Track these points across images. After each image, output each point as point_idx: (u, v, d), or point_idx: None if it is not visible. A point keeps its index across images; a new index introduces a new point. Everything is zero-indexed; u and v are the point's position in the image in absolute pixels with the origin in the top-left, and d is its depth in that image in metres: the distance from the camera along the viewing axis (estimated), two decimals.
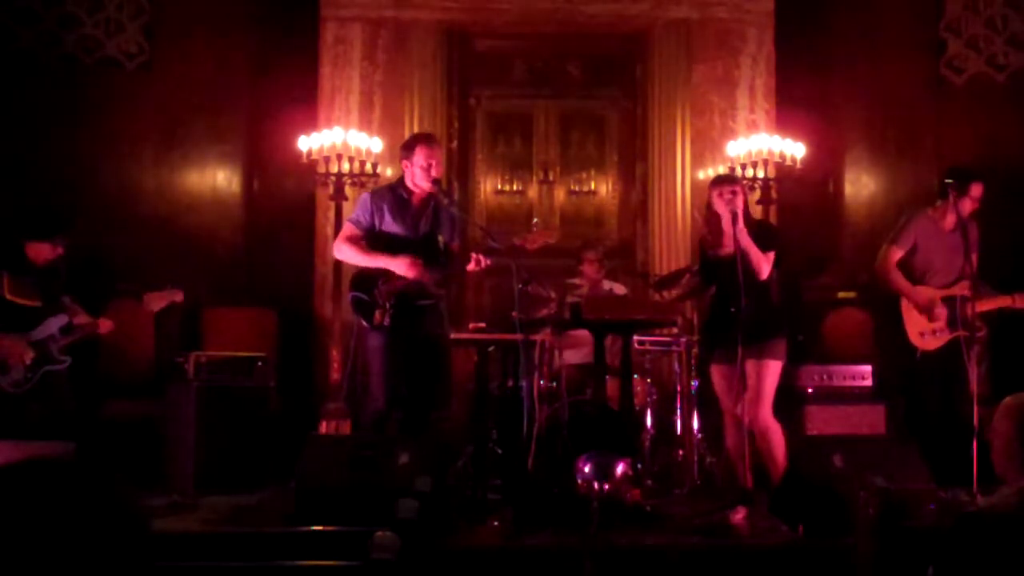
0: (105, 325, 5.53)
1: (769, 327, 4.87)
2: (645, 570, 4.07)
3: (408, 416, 4.88)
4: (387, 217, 4.92)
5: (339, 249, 5.10)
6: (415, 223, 4.94)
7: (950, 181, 5.48)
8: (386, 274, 4.83)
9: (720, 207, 4.96)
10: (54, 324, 5.38)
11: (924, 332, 5.44)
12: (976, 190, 5.43)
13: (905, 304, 5.52)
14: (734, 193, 4.94)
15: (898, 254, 5.50)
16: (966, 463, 4.63)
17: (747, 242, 4.82)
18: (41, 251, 5.39)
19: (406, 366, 4.86)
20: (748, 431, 4.75)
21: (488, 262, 4.86)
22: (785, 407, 5.94)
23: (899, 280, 5.49)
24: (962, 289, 5.38)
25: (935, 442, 5.02)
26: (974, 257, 5.36)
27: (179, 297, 5.49)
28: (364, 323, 4.88)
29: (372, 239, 4.96)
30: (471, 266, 4.86)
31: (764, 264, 4.88)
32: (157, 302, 5.44)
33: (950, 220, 5.49)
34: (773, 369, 4.87)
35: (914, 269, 5.52)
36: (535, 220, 7.43)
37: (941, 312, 5.40)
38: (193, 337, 6.41)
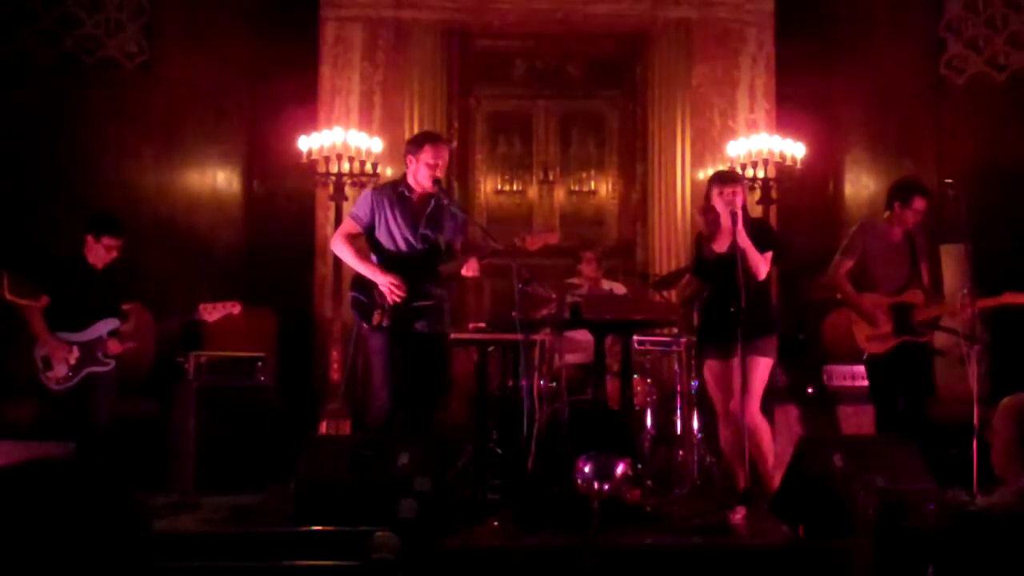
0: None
1: (762, 325, 4.88)
2: (645, 570, 4.07)
3: (410, 416, 4.89)
4: (388, 214, 4.92)
5: (336, 245, 5.12)
6: (416, 221, 4.93)
7: (893, 193, 5.60)
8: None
9: (720, 205, 4.97)
10: (103, 327, 5.41)
11: (870, 336, 5.51)
12: (918, 203, 5.49)
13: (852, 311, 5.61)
14: (735, 193, 4.95)
15: (847, 264, 5.60)
16: (941, 465, 4.65)
17: (746, 243, 4.83)
18: (100, 251, 5.44)
19: (407, 366, 4.87)
20: (744, 429, 4.75)
21: (477, 273, 4.90)
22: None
23: (846, 288, 5.61)
24: (912, 297, 5.46)
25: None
26: (923, 266, 5.54)
27: (236, 309, 5.53)
28: (363, 324, 4.91)
29: (371, 238, 4.98)
30: (465, 271, 4.88)
31: (762, 265, 4.90)
32: (212, 313, 5.47)
33: (896, 231, 5.57)
34: (763, 366, 4.90)
35: (863, 278, 5.61)
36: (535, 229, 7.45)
37: (884, 319, 5.46)
38: (193, 337, 6.41)
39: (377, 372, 4.93)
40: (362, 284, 4.93)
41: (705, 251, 5.15)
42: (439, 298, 4.94)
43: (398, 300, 4.79)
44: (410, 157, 4.97)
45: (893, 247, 5.57)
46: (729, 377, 4.94)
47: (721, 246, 5.03)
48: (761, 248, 4.91)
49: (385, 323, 4.82)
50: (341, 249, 5.05)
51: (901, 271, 5.55)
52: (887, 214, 5.62)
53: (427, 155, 4.89)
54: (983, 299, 5.37)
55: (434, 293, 4.90)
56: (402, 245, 4.91)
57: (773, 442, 5.05)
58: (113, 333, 5.42)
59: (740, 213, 4.88)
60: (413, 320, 4.85)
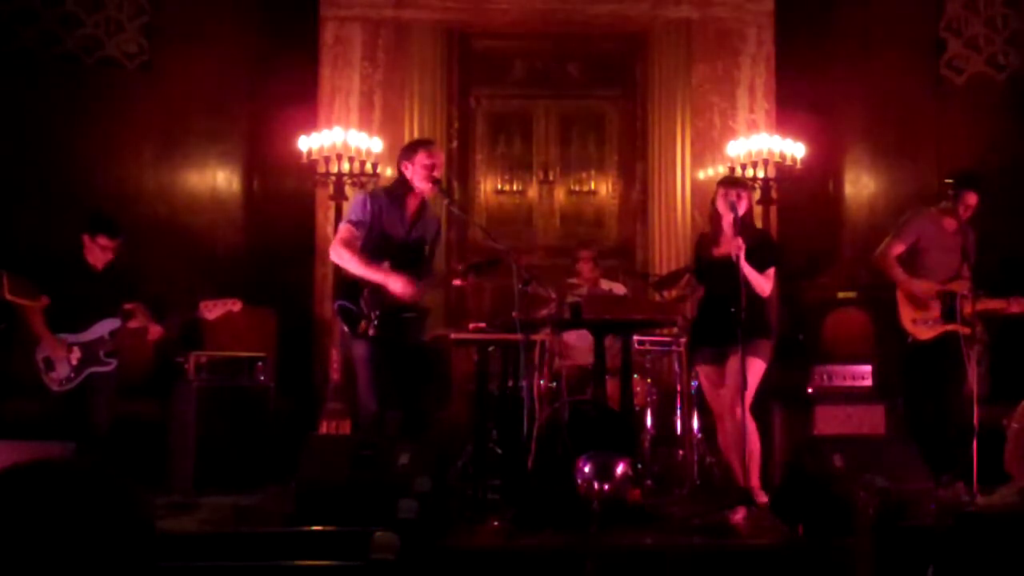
0: (154, 331, 5.52)
1: (756, 327, 4.88)
2: (645, 570, 4.07)
3: (407, 418, 4.88)
4: (383, 219, 4.92)
5: (338, 254, 4.88)
6: (409, 227, 4.93)
7: (949, 184, 5.63)
8: (372, 284, 4.77)
9: (722, 207, 4.97)
10: (105, 327, 5.41)
11: (917, 320, 5.51)
12: (970, 198, 5.51)
13: (901, 293, 5.58)
14: (739, 196, 4.95)
15: (899, 249, 5.60)
16: (963, 460, 4.65)
17: (748, 269, 4.83)
18: (97, 251, 5.43)
19: (394, 374, 4.84)
20: (741, 429, 4.75)
21: (467, 283, 4.90)
22: (791, 407, 5.99)
23: (896, 271, 5.62)
24: (960, 287, 5.44)
25: (932, 438, 5.06)
26: (971, 260, 5.49)
27: (237, 306, 5.51)
28: (348, 331, 4.89)
29: (367, 240, 4.96)
30: (456, 281, 4.89)
31: (766, 285, 4.93)
32: (213, 311, 5.45)
33: (951, 222, 5.58)
34: (756, 368, 4.91)
35: (914, 265, 5.60)
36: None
37: (935, 303, 5.47)
38: (193, 337, 6.41)
39: (362, 381, 4.86)
40: (349, 292, 4.85)
41: (705, 253, 5.15)
42: (423, 310, 4.96)
43: (416, 298, 4.78)
44: (405, 163, 4.95)
45: (947, 236, 5.59)
46: (723, 380, 4.95)
47: (720, 249, 5.03)
48: (762, 261, 4.91)
49: (371, 332, 4.79)
50: (342, 256, 4.84)
51: (953, 261, 5.55)
52: (943, 204, 5.65)
53: (422, 158, 4.89)
54: (986, 301, 5.37)
55: (420, 305, 4.92)
56: (394, 250, 4.89)
57: (760, 443, 5.07)
58: (114, 333, 5.42)
59: (742, 214, 4.87)
60: (398, 330, 4.83)
